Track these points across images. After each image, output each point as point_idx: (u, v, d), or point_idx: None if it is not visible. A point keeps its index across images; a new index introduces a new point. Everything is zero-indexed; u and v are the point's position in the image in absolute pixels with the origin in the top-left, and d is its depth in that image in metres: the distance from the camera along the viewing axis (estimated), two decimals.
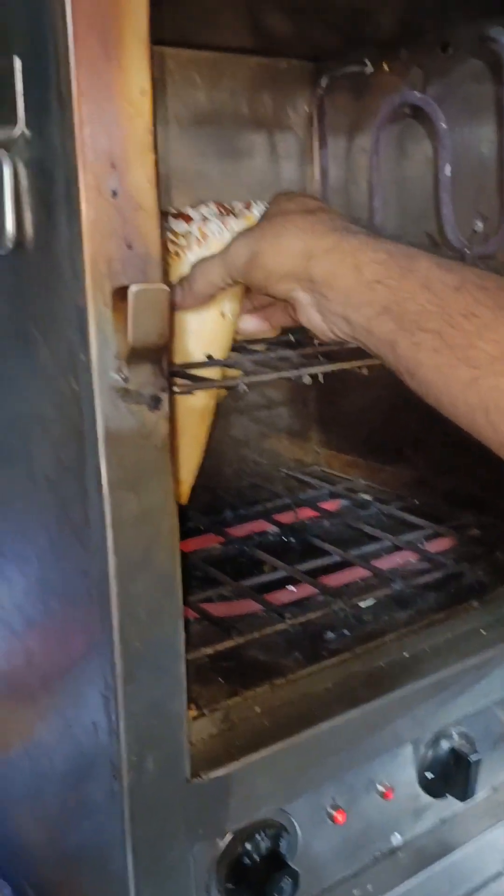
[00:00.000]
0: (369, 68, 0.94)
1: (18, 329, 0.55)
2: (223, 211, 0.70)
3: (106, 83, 0.45)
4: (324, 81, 1.00)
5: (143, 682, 0.53)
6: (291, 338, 0.80)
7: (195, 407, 0.71)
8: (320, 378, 0.68)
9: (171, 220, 0.68)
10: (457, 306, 0.47)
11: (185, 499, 0.76)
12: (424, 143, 0.92)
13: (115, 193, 0.46)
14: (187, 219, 0.68)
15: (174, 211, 0.71)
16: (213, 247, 0.66)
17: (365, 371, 0.69)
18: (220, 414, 1.08)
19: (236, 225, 0.66)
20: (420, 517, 0.97)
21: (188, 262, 0.66)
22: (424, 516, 0.97)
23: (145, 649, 0.52)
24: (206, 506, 1.02)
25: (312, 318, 0.57)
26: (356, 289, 0.52)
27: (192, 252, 0.66)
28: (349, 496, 1.07)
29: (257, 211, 0.68)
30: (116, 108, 0.45)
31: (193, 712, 0.63)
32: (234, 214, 0.69)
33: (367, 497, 1.06)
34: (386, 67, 0.94)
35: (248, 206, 0.69)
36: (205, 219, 0.67)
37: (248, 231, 0.61)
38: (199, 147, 0.98)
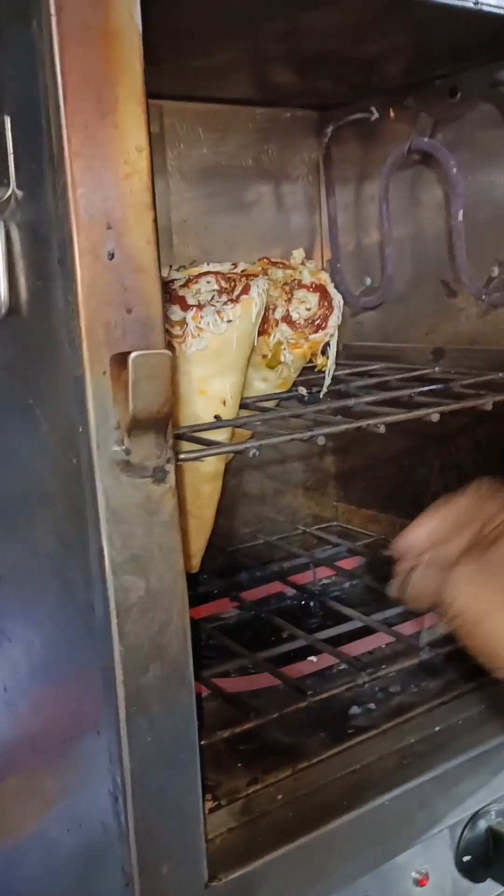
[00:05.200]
0: (375, 116, 0.92)
1: (16, 401, 0.52)
2: (222, 286, 0.67)
3: (100, 142, 0.42)
4: (329, 130, 0.98)
5: (156, 781, 0.48)
6: (303, 391, 0.77)
7: (206, 472, 0.68)
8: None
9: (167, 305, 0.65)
10: None
11: (196, 567, 0.72)
12: (436, 190, 0.90)
13: (111, 256, 0.43)
14: (183, 304, 0.65)
15: (174, 277, 0.68)
16: (208, 340, 0.63)
17: (382, 429, 0.65)
18: (233, 471, 1.05)
19: (232, 314, 0.63)
20: None
21: (182, 356, 0.63)
22: None
23: (157, 745, 0.48)
24: (220, 568, 0.97)
25: None
26: None
27: (187, 345, 0.63)
28: (370, 553, 1.02)
29: (256, 292, 0.65)
30: (111, 166, 0.43)
31: (210, 803, 0.58)
32: (233, 292, 0.65)
33: (388, 554, 1.01)
34: (393, 114, 0.92)
35: (246, 290, 0.65)
36: (200, 305, 0.64)
37: (478, 573, 0.48)
38: (205, 200, 0.96)
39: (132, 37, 0.42)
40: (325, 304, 0.72)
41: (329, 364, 0.74)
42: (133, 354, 0.43)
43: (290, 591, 0.93)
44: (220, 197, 0.97)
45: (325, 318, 0.72)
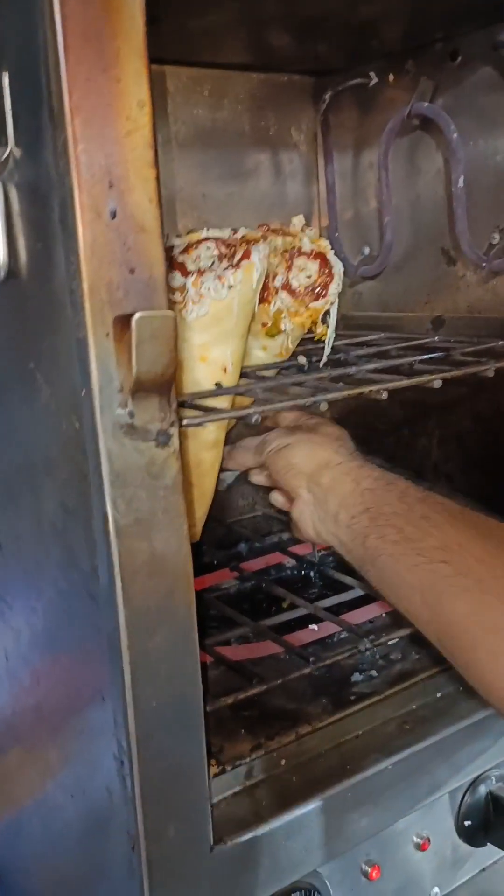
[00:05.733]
0: (374, 81, 0.91)
1: (16, 365, 0.52)
2: (222, 252, 0.66)
3: (101, 96, 0.41)
4: (327, 96, 0.96)
5: (161, 744, 0.49)
6: (303, 360, 0.76)
7: (206, 440, 0.67)
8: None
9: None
10: (419, 511, 0.61)
11: (197, 536, 0.72)
12: (435, 157, 0.89)
13: (114, 215, 0.42)
14: (183, 270, 0.64)
15: (174, 243, 0.67)
16: (209, 306, 0.62)
17: (384, 395, 0.65)
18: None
19: (233, 279, 0.62)
20: None
21: (183, 322, 0.62)
22: None
23: (162, 709, 0.48)
24: (219, 539, 0.97)
25: (304, 513, 0.70)
26: (352, 494, 0.65)
27: (188, 311, 0.62)
28: None
29: (258, 256, 0.64)
30: (113, 122, 0.42)
31: (214, 769, 0.59)
32: (234, 258, 0.64)
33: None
34: (392, 79, 0.91)
35: (247, 256, 0.64)
36: (200, 271, 0.63)
37: (289, 430, 0.75)
38: (202, 168, 0.95)
39: None
40: (326, 271, 0.71)
41: (329, 333, 0.74)
42: (136, 315, 0.42)
43: (290, 562, 0.93)
44: (216, 165, 0.96)
45: (326, 286, 0.71)
